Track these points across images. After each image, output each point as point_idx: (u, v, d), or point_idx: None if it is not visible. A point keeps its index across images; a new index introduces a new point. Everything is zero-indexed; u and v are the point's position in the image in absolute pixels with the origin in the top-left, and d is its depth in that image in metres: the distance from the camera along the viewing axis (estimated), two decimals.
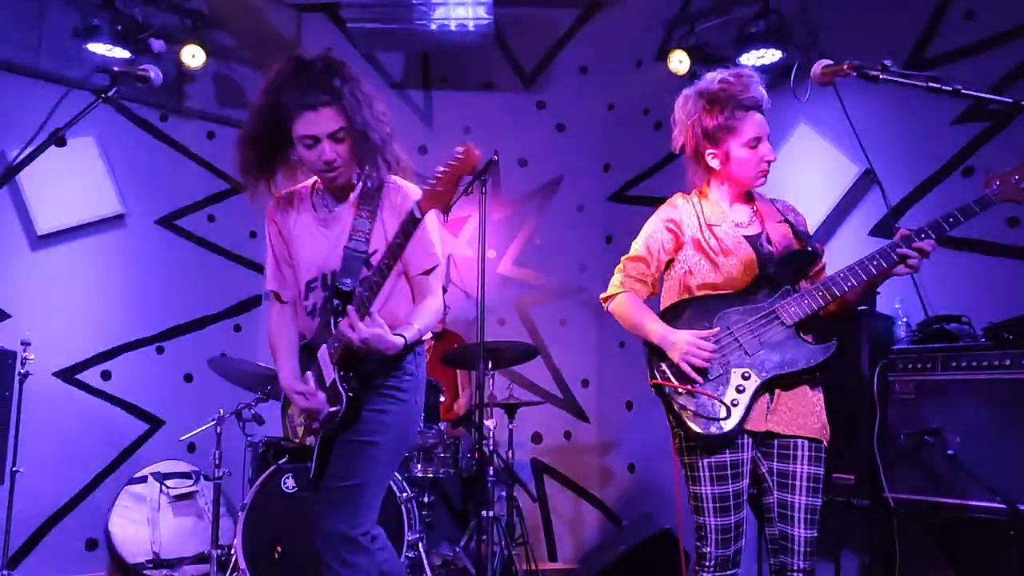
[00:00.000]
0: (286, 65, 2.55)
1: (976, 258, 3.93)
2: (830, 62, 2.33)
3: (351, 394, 2.55)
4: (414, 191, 2.63)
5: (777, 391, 2.53)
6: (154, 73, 2.41)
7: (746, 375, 2.49)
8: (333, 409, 2.58)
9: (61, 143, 2.21)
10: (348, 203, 2.69)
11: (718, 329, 2.52)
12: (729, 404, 2.47)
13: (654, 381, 2.57)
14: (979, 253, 3.93)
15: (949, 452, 3.20)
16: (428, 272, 2.69)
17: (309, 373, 2.68)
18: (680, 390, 2.49)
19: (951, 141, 4.07)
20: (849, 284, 2.46)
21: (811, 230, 2.85)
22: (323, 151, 2.52)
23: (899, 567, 3.39)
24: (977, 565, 3.42)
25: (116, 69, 2.36)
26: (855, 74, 2.21)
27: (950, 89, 2.03)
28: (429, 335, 2.86)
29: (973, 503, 3.13)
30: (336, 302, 2.58)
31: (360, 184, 2.69)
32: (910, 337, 3.67)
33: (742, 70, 2.66)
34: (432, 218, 2.61)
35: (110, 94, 2.36)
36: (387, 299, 2.65)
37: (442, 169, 2.28)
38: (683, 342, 2.50)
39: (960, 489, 3.17)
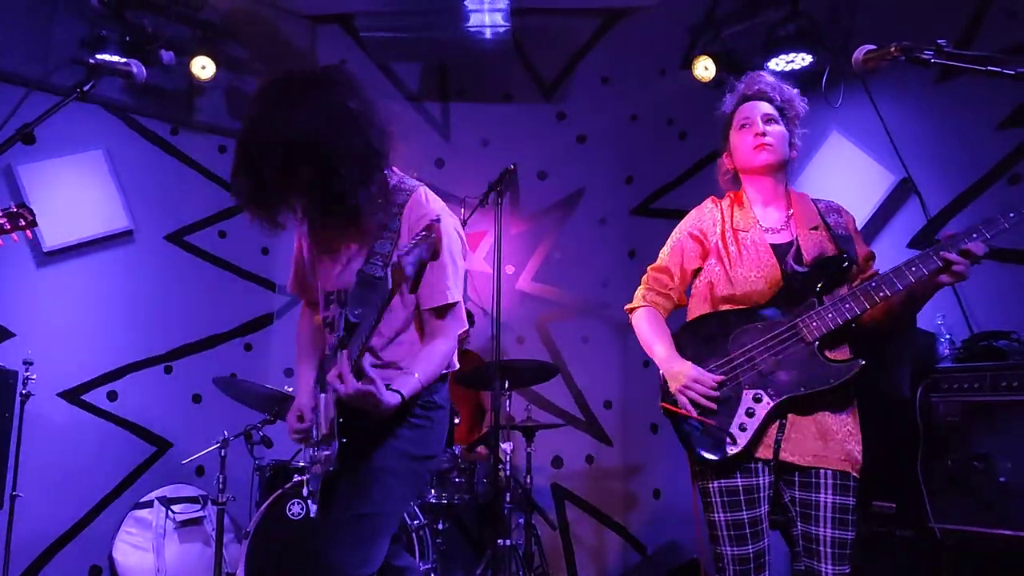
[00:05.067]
0: None
1: None
2: (873, 47, 2.12)
3: (343, 440, 2.35)
4: (432, 212, 2.43)
5: (790, 417, 2.39)
6: (136, 68, 2.27)
7: (758, 397, 2.39)
8: (325, 453, 2.41)
9: (29, 140, 2.07)
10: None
11: (730, 356, 2.44)
12: (737, 429, 2.38)
13: (663, 404, 2.52)
14: None
15: (1000, 479, 3.03)
16: (440, 311, 2.46)
17: (323, 396, 2.49)
18: (687, 416, 2.44)
19: (996, 147, 3.89)
20: (881, 295, 2.31)
21: None
22: None
23: None
24: None
25: (91, 62, 2.21)
26: (903, 57, 1.99)
27: (1012, 72, 1.81)
28: (456, 366, 2.62)
29: None
30: (342, 333, 2.40)
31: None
32: (954, 355, 3.51)
33: (754, 72, 2.72)
34: (453, 253, 2.47)
35: (86, 88, 2.20)
36: (397, 334, 2.48)
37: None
38: (682, 375, 2.45)
39: (1012, 519, 2.99)
